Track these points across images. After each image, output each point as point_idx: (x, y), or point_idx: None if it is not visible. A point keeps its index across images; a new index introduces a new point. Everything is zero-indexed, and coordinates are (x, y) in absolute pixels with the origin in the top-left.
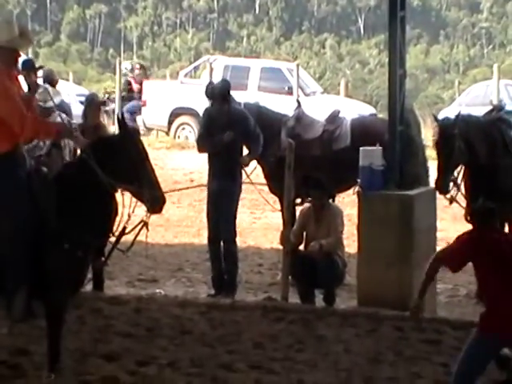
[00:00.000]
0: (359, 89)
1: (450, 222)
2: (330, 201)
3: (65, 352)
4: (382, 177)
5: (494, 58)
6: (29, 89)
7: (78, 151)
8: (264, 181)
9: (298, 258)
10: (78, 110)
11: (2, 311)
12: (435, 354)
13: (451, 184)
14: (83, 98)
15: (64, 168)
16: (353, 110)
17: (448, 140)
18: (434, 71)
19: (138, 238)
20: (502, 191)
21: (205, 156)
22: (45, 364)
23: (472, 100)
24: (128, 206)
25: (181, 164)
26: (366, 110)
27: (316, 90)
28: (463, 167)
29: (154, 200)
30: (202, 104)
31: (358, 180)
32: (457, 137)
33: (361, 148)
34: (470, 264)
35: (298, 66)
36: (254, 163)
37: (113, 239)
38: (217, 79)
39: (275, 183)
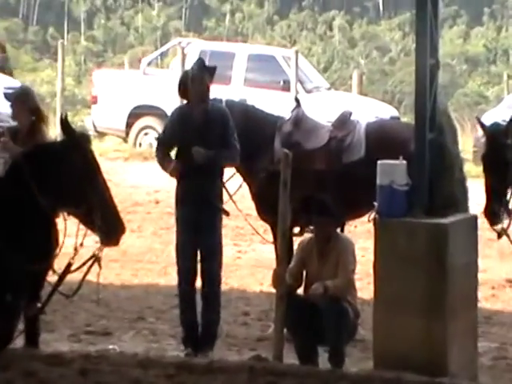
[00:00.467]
0: (377, 84)
1: (496, 259)
2: (338, 231)
3: None
4: (406, 199)
5: None
6: None
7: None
8: (252, 203)
9: (295, 304)
10: (6, 107)
11: None
12: None
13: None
14: None
15: None
16: (369, 111)
17: (499, 153)
18: (476, 61)
19: (87, 278)
20: None
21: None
22: None
23: None
24: (74, 236)
25: (143, 180)
26: (386, 111)
27: (320, 85)
28: None
29: (109, 228)
30: (170, 101)
31: (375, 203)
32: (510, 149)
33: (379, 161)
34: None
35: (296, 53)
36: (238, 180)
37: (53, 279)
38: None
39: (266, 206)
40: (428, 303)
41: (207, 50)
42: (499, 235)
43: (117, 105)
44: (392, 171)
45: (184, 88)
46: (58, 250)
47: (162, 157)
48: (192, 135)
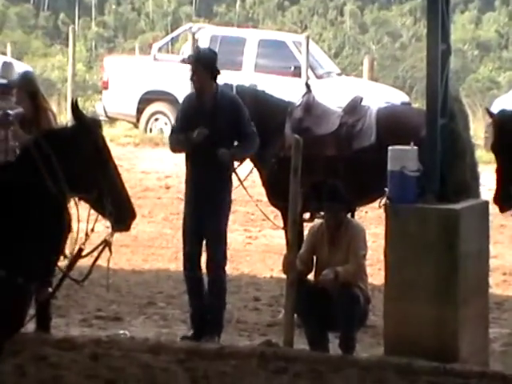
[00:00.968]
0: (388, 69)
1: (507, 245)
2: (349, 216)
3: None
4: (417, 185)
5: None
6: None
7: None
8: (262, 189)
9: (305, 290)
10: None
11: None
12: None
13: None
14: None
15: None
16: (380, 96)
17: (507, 139)
18: (488, 47)
19: (98, 263)
20: None
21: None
22: None
23: None
24: (85, 221)
25: (154, 165)
26: (397, 97)
27: (331, 71)
28: None
29: (120, 214)
30: (181, 87)
31: (386, 189)
32: None
33: (390, 147)
34: None
35: (307, 38)
36: (248, 165)
37: (63, 264)
38: None
39: (277, 192)
40: (439, 289)
41: (218, 36)
42: None
43: (127, 90)
44: (403, 157)
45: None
46: (69, 235)
47: (178, 138)
48: (202, 123)
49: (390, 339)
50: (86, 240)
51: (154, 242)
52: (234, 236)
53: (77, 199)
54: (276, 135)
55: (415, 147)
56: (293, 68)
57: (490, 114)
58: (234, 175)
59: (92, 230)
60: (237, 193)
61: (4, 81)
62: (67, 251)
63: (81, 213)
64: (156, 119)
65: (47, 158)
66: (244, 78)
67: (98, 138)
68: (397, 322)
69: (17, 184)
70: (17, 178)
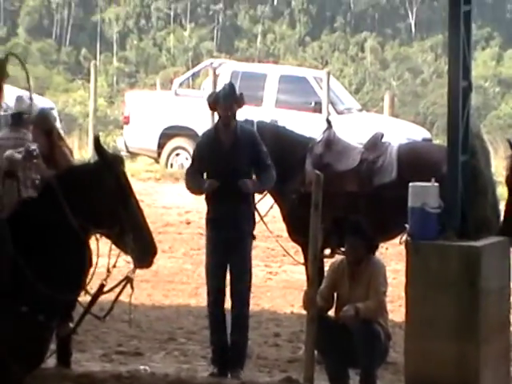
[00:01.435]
0: (409, 105)
1: None
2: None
3: None
4: (438, 222)
5: None
6: None
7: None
8: (283, 225)
9: (326, 326)
10: None
11: None
12: None
13: None
14: None
15: (21, 206)
16: (401, 133)
17: None
18: (509, 83)
19: (119, 299)
20: None
21: None
22: None
23: None
24: (107, 256)
25: (174, 201)
26: (418, 133)
27: (352, 107)
28: None
29: (142, 250)
30: (202, 122)
31: (407, 226)
32: None
33: (411, 184)
34: None
35: (328, 74)
36: (269, 201)
37: (85, 299)
38: None
39: (297, 228)
40: (460, 327)
41: (239, 71)
42: None
43: (149, 125)
44: (424, 193)
45: (213, 105)
46: (90, 272)
47: (192, 180)
48: (221, 159)
49: (411, 377)
50: (107, 276)
51: (175, 278)
52: (255, 271)
53: (98, 235)
54: (297, 171)
55: (436, 184)
56: (313, 104)
57: (511, 145)
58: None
59: (114, 265)
60: (257, 228)
61: (14, 111)
62: (89, 287)
63: (102, 248)
64: (177, 154)
65: (69, 194)
66: (265, 114)
67: (119, 174)
68: (417, 360)
69: (38, 219)
70: (38, 214)
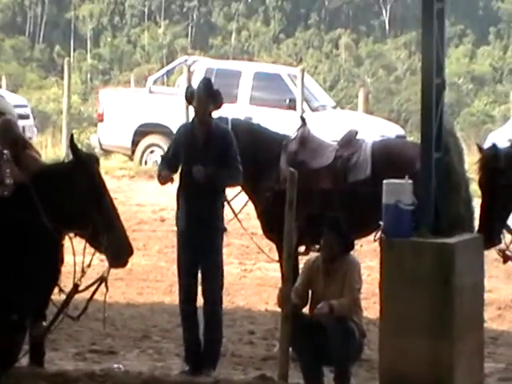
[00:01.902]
0: (383, 102)
1: (502, 280)
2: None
3: None
4: (412, 219)
5: None
6: None
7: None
8: (257, 222)
9: (300, 323)
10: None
11: None
12: None
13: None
14: (21, 111)
15: None
16: (375, 129)
17: (490, 177)
18: (482, 80)
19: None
20: None
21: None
22: None
23: None
24: (81, 255)
25: (148, 198)
26: (392, 130)
27: (326, 104)
28: None
29: (117, 250)
30: (176, 120)
31: (381, 223)
32: (500, 172)
33: (384, 181)
34: None
35: (302, 71)
36: (243, 198)
37: (59, 298)
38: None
39: (272, 225)
40: (434, 323)
41: (213, 68)
42: (504, 259)
43: (123, 123)
44: (398, 190)
45: (189, 99)
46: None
47: (160, 165)
48: (193, 155)
49: (385, 374)
50: (81, 276)
51: (149, 275)
52: (229, 269)
53: (72, 235)
54: (271, 168)
55: (410, 181)
56: (288, 101)
57: (480, 149)
58: (228, 208)
59: (89, 265)
60: (231, 225)
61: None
62: (63, 285)
63: (77, 247)
64: (151, 152)
65: (43, 195)
66: (239, 111)
67: (94, 174)
68: (392, 357)
69: (11, 220)
70: (11, 214)
